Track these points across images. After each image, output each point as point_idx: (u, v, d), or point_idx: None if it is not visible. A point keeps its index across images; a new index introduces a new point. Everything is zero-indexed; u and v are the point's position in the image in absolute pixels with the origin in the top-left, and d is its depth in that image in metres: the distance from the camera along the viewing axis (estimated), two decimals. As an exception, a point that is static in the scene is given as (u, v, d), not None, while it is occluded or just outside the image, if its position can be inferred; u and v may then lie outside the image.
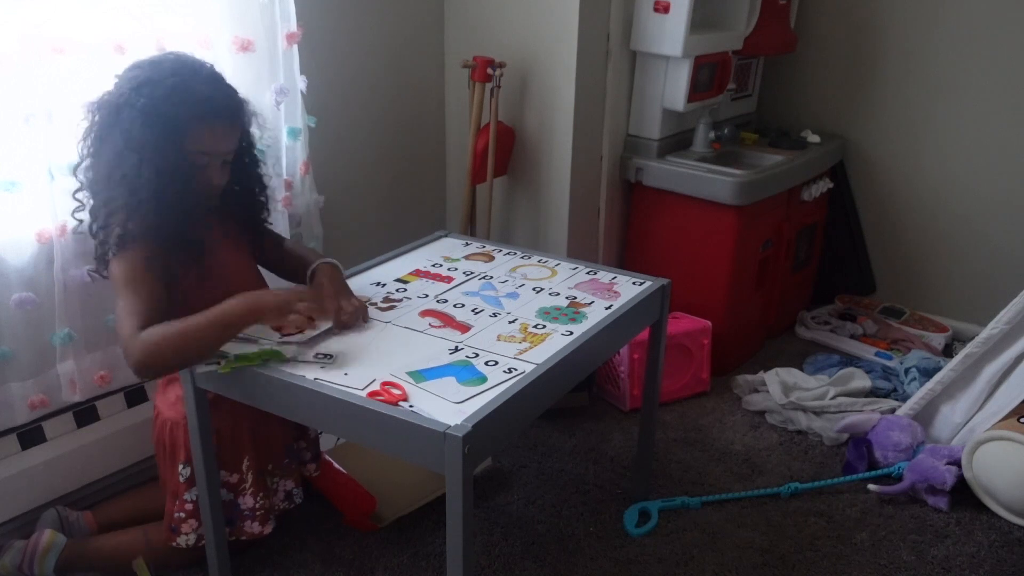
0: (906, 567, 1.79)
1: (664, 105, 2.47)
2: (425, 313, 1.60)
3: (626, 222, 2.67)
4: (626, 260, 2.69)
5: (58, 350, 1.68)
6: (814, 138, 2.79)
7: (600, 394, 2.44)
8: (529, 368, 1.39)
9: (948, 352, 2.67)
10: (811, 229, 2.86)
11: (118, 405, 1.89)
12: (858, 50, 2.80)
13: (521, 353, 1.45)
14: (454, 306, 1.63)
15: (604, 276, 1.81)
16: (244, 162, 1.62)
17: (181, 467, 1.60)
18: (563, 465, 2.12)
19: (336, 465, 1.91)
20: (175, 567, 1.70)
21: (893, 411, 2.24)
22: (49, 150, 1.58)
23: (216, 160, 1.51)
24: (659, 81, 2.45)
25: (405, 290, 1.70)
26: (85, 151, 1.47)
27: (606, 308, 1.64)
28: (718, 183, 2.38)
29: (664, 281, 1.77)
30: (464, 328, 1.54)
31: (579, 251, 2.51)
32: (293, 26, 1.91)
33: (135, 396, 1.91)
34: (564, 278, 1.79)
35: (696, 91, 2.47)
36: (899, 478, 2.02)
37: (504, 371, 1.38)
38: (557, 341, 1.49)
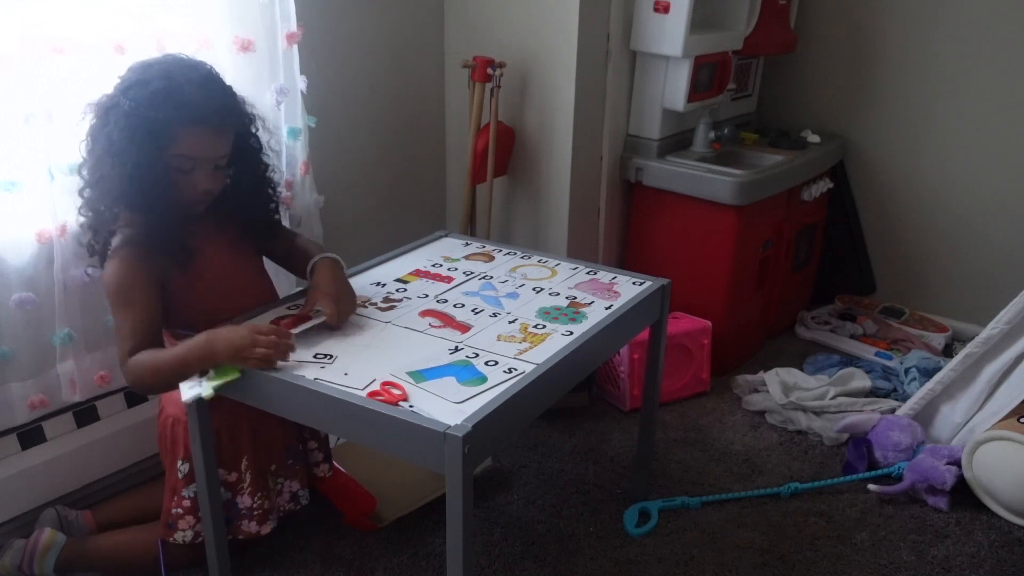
0: (906, 567, 1.79)
1: (664, 105, 2.47)
2: (425, 313, 1.60)
3: (626, 222, 2.67)
4: (626, 260, 2.69)
5: (58, 350, 1.68)
6: (814, 138, 2.78)
7: (600, 394, 2.44)
8: (529, 368, 1.39)
9: (948, 352, 2.67)
10: (811, 229, 2.86)
11: (118, 405, 1.89)
12: (858, 50, 2.80)
13: (521, 353, 1.45)
14: (454, 306, 1.63)
15: (604, 276, 1.81)
16: (245, 164, 1.59)
17: (180, 463, 1.61)
18: (563, 465, 2.12)
19: (336, 465, 1.91)
20: (175, 566, 1.70)
21: (893, 411, 2.24)
22: (49, 150, 1.58)
23: (205, 165, 1.48)
24: (659, 81, 2.45)
25: (405, 290, 1.70)
26: (84, 151, 1.47)
27: (606, 308, 1.64)
28: (718, 183, 2.38)
29: (664, 281, 1.77)
30: (464, 328, 1.54)
31: (579, 251, 2.51)
32: (293, 26, 1.91)
33: (135, 396, 1.90)
34: (564, 278, 1.79)
35: (696, 91, 2.47)
36: (899, 478, 2.02)
37: (504, 371, 1.38)
38: (557, 341, 1.49)
